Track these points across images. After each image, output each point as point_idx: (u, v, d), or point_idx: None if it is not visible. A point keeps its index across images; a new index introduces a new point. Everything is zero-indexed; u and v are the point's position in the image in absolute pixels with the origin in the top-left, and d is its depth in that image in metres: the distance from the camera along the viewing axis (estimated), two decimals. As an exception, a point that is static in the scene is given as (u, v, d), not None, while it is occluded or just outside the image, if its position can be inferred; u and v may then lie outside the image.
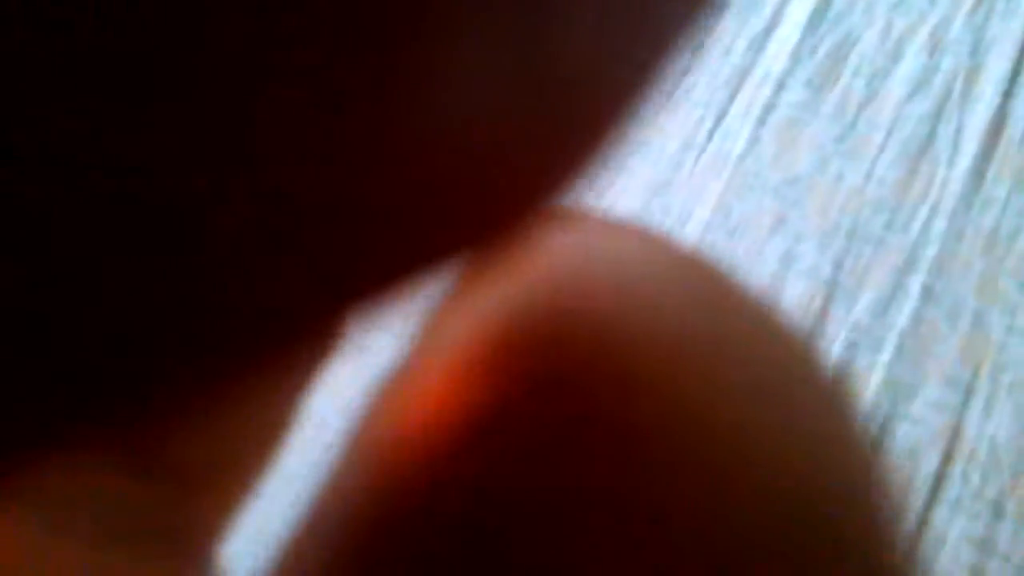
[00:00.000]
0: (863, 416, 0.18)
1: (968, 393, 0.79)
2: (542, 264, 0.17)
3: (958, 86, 0.92)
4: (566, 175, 0.12)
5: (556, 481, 0.16)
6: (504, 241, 0.12)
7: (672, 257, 0.19)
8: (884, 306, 0.83)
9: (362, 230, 0.10)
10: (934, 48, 0.94)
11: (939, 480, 0.76)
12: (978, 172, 0.88)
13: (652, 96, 0.12)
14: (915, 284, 0.84)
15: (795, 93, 0.92)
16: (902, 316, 0.82)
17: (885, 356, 0.81)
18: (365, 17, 0.08)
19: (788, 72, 0.93)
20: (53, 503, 0.13)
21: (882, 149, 0.89)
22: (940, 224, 0.86)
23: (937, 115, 0.91)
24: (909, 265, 0.85)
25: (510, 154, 0.11)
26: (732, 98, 0.92)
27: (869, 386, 0.80)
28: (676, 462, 0.16)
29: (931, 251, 0.85)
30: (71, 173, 0.07)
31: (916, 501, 0.76)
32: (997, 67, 0.93)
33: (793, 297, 0.83)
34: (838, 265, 0.84)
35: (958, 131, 0.90)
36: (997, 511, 0.75)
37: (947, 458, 0.77)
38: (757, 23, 0.96)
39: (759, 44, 0.95)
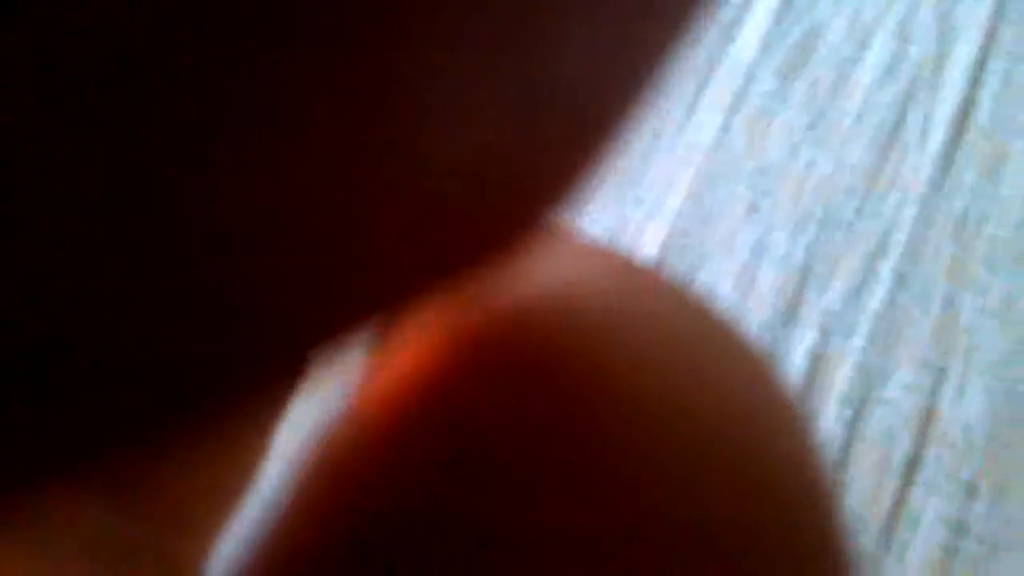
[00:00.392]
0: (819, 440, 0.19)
1: (941, 376, 0.80)
2: (500, 286, 0.17)
3: (926, 73, 0.93)
4: (558, 194, 0.12)
5: (516, 498, 0.16)
6: (493, 264, 0.12)
7: (647, 282, 0.19)
8: (856, 292, 0.84)
9: (345, 256, 0.10)
10: (902, 36, 0.95)
11: (914, 462, 0.77)
12: (947, 158, 0.89)
13: (644, 112, 0.12)
14: (886, 269, 0.84)
15: (765, 83, 0.93)
16: (874, 301, 0.83)
17: (858, 341, 0.82)
18: (355, 36, 0.08)
19: (757, 62, 0.94)
20: (37, 538, 0.13)
21: (852, 136, 0.90)
22: (910, 210, 0.87)
23: (906, 102, 0.92)
24: (880, 251, 0.85)
25: (500, 175, 0.10)
26: (702, 88, 0.93)
27: (843, 371, 0.80)
28: (634, 464, 0.16)
29: (902, 236, 0.86)
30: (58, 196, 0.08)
31: (891, 483, 0.76)
32: (964, 54, 0.94)
33: (766, 284, 0.83)
34: (810, 252, 0.85)
35: (927, 118, 0.91)
36: (971, 492, 0.76)
37: (921, 440, 0.78)
38: (726, 13, 0.96)
39: (728, 34, 0.95)
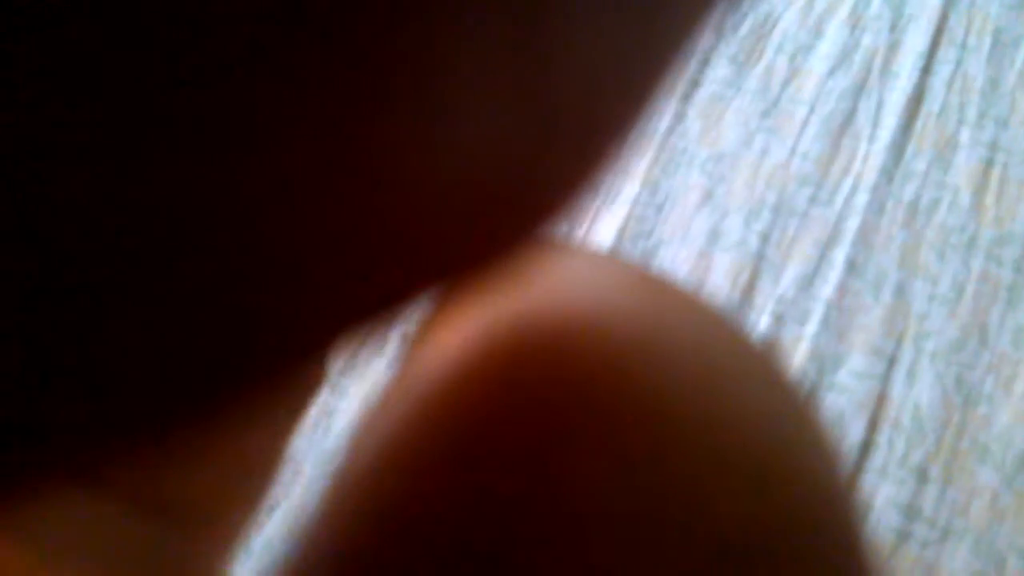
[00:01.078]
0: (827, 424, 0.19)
1: (892, 362, 0.81)
2: (526, 292, 0.18)
3: (878, 62, 0.94)
4: (561, 201, 0.12)
5: (546, 495, 0.16)
6: (495, 268, 0.12)
7: (649, 284, 0.20)
8: (809, 279, 0.84)
9: (353, 256, 0.10)
10: (854, 25, 0.96)
11: (865, 448, 0.78)
12: (898, 146, 0.90)
13: (647, 121, 0.13)
14: (839, 256, 0.85)
15: (719, 69, 0.93)
16: (827, 288, 0.84)
17: (811, 328, 0.82)
18: (362, 39, 0.08)
19: (712, 48, 0.94)
20: (55, 535, 0.13)
21: (805, 124, 0.90)
22: (862, 197, 0.88)
23: (858, 91, 0.92)
24: (833, 238, 0.86)
25: (506, 180, 0.10)
26: (658, 74, 0.93)
27: (796, 357, 0.81)
28: (660, 465, 0.16)
29: (854, 224, 0.86)
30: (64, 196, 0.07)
31: (844, 469, 0.77)
32: (915, 43, 0.95)
33: (721, 271, 0.84)
34: (764, 239, 0.85)
35: (878, 106, 0.92)
36: (921, 476, 0.77)
37: (873, 426, 0.78)
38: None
39: (683, 21, 0.95)
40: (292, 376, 0.11)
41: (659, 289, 0.20)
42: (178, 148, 0.08)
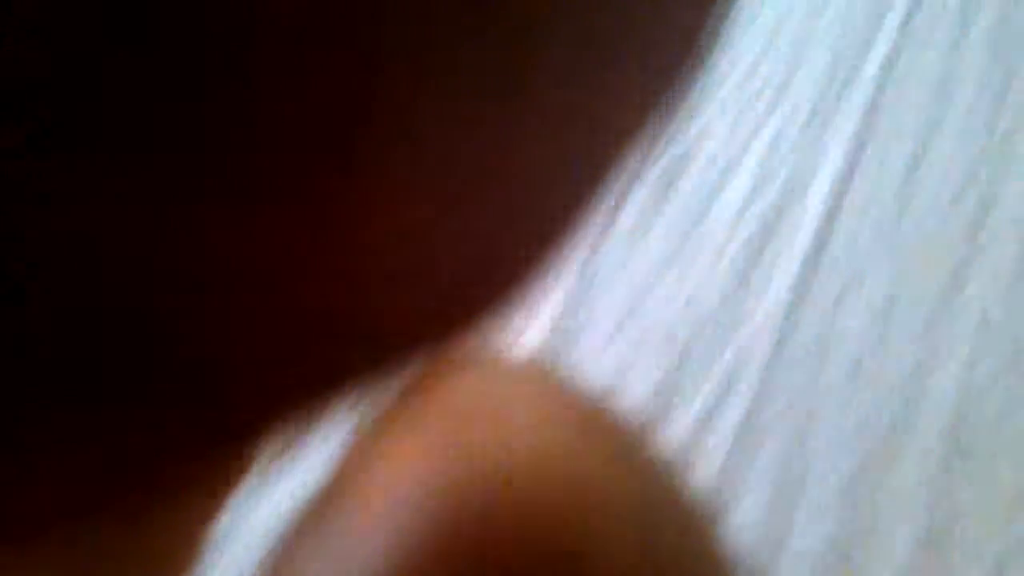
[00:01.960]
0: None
1: (793, 498, 0.82)
2: (465, 425, 0.18)
3: (776, 216, 0.98)
4: (510, 290, 0.12)
5: None
6: (437, 358, 0.12)
7: (572, 403, 0.21)
8: (708, 417, 0.85)
9: (289, 340, 0.09)
10: (762, 175, 1.00)
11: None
12: (799, 290, 0.93)
13: (597, 209, 0.13)
14: (740, 397, 0.87)
15: (634, 206, 0.96)
16: (727, 427, 0.85)
17: (708, 470, 0.83)
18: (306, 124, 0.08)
19: (632, 180, 0.96)
20: None
21: (718, 260, 0.93)
22: (767, 336, 0.90)
23: (765, 234, 0.96)
24: (734, 378, 0.88)
25: (461, 264, 0.10)
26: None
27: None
28: None
29: (757, 364, 0.89)
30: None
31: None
32: (820, 191, 0.99)
33: (633, 399, 0.84)
34: (673, 372, 0.87)
35: (780, 252, 0.95)
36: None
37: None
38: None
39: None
40: (220, 461, 0.11)
41: (602, 426, 0.20)
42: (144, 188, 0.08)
